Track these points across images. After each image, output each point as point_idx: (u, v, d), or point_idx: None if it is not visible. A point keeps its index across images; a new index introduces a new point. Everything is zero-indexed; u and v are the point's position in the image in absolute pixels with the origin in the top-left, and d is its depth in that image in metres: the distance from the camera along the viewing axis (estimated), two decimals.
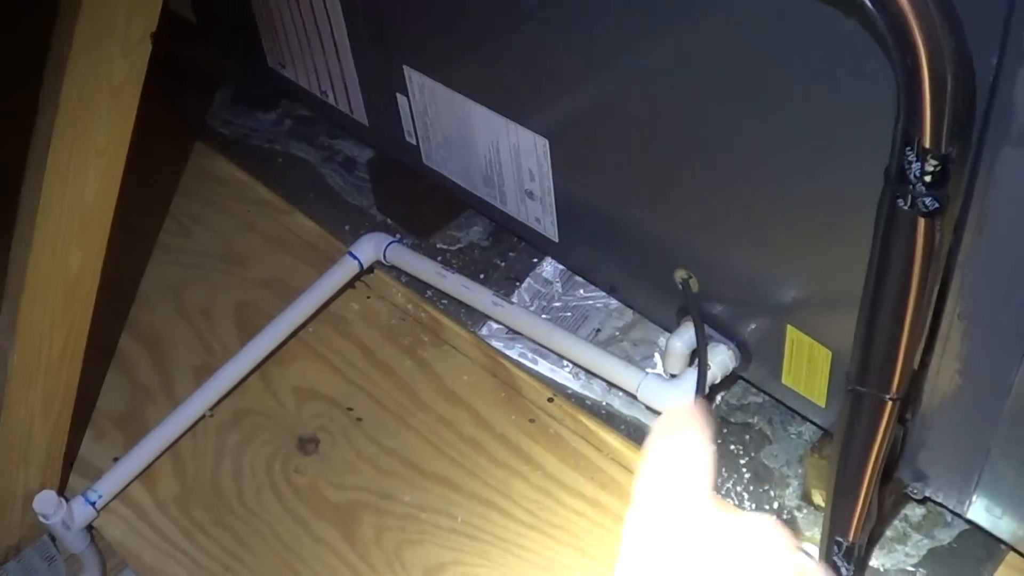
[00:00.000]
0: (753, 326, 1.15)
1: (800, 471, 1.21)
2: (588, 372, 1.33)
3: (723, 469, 1.22)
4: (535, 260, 1.47)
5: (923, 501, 1.12)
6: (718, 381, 1.18)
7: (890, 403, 0.90)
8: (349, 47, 1.42)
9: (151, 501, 1.32)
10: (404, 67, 1.34)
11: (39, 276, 1.15)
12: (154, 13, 1.07)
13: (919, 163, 0.74)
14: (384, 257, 1.47)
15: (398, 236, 1.51)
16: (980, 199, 0.82)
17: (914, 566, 1.13)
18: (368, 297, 1.50)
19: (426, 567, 1.22)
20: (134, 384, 1.45)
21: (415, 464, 1.30)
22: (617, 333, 1.37)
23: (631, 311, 1.38)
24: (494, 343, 1.40)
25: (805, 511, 1.18)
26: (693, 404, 0.68)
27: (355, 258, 1.47)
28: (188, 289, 1.56)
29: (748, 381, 1.26)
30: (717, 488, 1.21)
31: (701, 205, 1.09)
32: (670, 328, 1.24)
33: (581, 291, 1.43)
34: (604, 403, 1.31)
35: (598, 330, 1.38)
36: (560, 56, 1.11)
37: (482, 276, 1.47)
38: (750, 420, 1.27)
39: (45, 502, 1.24)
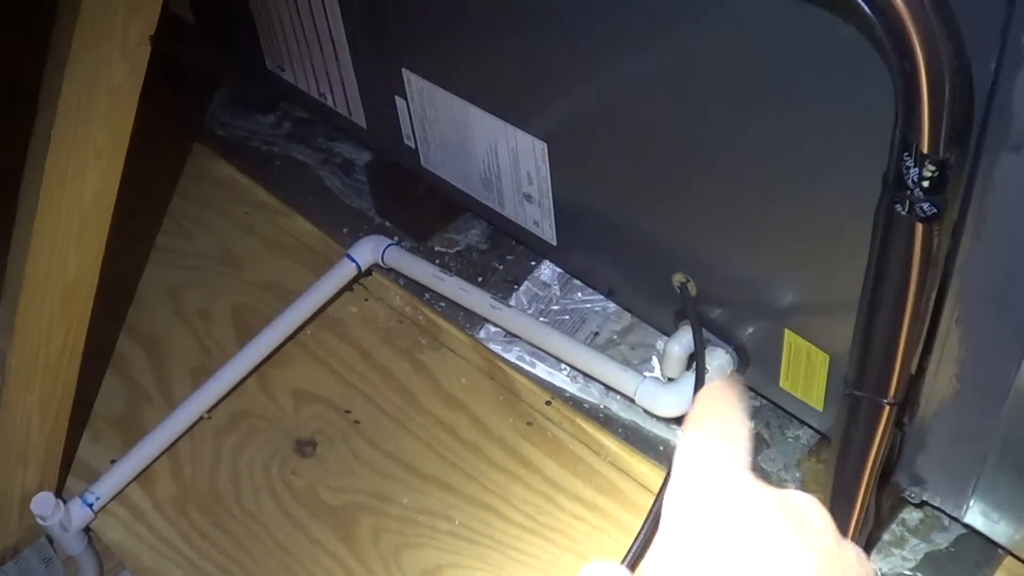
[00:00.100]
0: (751, 330, 1.15)
1: (798, 475, 1.21)
2: (586, 375, 1.33)
3: None
4: (533, 263, 1.47)
5: (920, 505, 1.12)
6: None
7: (887, 407, 0.90)
8: (348, 50, 1.42)
9: (149, 503, 1.32)
10: (403, 70, 1.34)
11: (37, 277, 1.15)
12: (153, 15, 1.07)
13: (917, 168, 0.74)
14: (382, 260, 1.47)
15: (396, 239, 1.51)
16: (978, 204, 0.82)
17: (911, 570, 1.13)
18: (366, 300, 1.50)
19: (424, 570, 1.22)
20: (132, 386, 1.45)
21: (413, 467, 1.30)
22: (615, 336, 1.37)
23: (629, 314, 1.38)
24: (492, 346, 1.40)
25: None
26: (731, 377, 0.67)
27: (353, 261, 1.47)
28: (186, 291, 1.56)
29: (746, 385, 1.25)
30: None
31: (699, 209, 1.09)
32: (668, 332, 1.24)
33: (579, 294, 1.43)
34: (602, 406, 1.31)
35: (596, 333, 1.38)
36: (559, 59, 1.11)
37: (480, 279, 1.47)
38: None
39: (43, 504, 1.24)
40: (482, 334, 1.41)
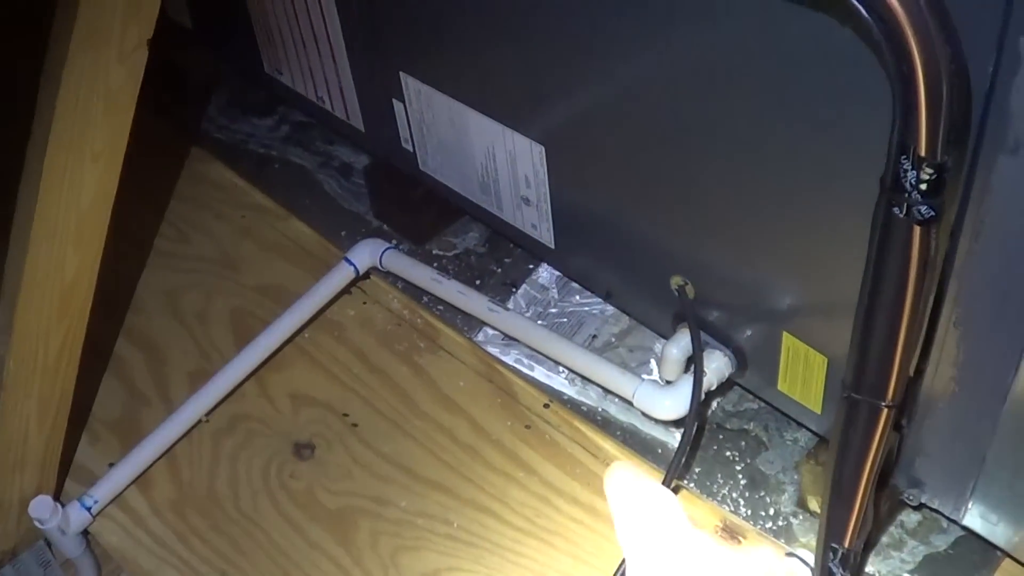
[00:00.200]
0: (749, 332, 1.15)
1: (796, 477, 1.21)
2: (584, 378, 1.33)
3: (719, 475, 1.22)
4: (531, 266, 1.47)
5: (919, 507, 1.12)
6: (714, 387, 1.19)
7: (886, 410, 0.90)
8: (346, 53, 1.42)
9: (147, 506, 1.32)
10: (401, 73, 1.34)
11: (35, 281, 1.15)
12: (151, 19, 1.07)
13: (914, 171, 0.74)
14: (380, 263, 1.47)
15: (394, 242, 1.51)
16: (976, 206, 0.82)
17: (910, 572, 1.13)
18: (364, 303, 1.50)
19: (422, 573, 1.22)
20: (130, 389, 1.45)
21: (411, 470, 1.30)
22: (613, 339, 1.37)
23: (627, 317, 1.38)
24: (490, 349, 1.40)
25: (801, 517, 1.18)
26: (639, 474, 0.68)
27: (351, 264, 1.47)
28: (184, 294, 1.56)
29: (744, 387, 1.26)
30: (713, 494, 1.21)
31: (697, 211, 1.09)
32: (666, 334, 1.24)
33: (577, 297, 1.43)
34: (600, 409, 1.31)
35: (594, 336, 1.38)
36: (557, 63, 1.11)
37: (478, 282, 1.47)
38: (746, 426, 1.27)
39: (41, 507, 1.24)
40: (480, 337, 1.41)
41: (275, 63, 1.61)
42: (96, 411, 1.43)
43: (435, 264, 1.49)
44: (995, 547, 1.09)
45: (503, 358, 1.38)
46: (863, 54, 0.79)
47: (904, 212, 0.76)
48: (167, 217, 1.67)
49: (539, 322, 1.38)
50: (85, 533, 1.31)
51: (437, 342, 1.43)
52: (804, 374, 1.10)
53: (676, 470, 1.14)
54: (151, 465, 1.34)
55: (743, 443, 1.25)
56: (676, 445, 1.22)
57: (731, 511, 1.20)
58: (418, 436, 1.33)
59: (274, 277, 1.55)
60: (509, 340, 1.39)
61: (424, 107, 1.35)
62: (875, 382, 0.88)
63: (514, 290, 1.45)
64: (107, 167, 1.13)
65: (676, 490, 1.22)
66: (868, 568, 1.13)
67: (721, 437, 1.26)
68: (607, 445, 1.28)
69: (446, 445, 1.32)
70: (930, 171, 0.74)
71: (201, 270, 1.59)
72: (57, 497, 1.30)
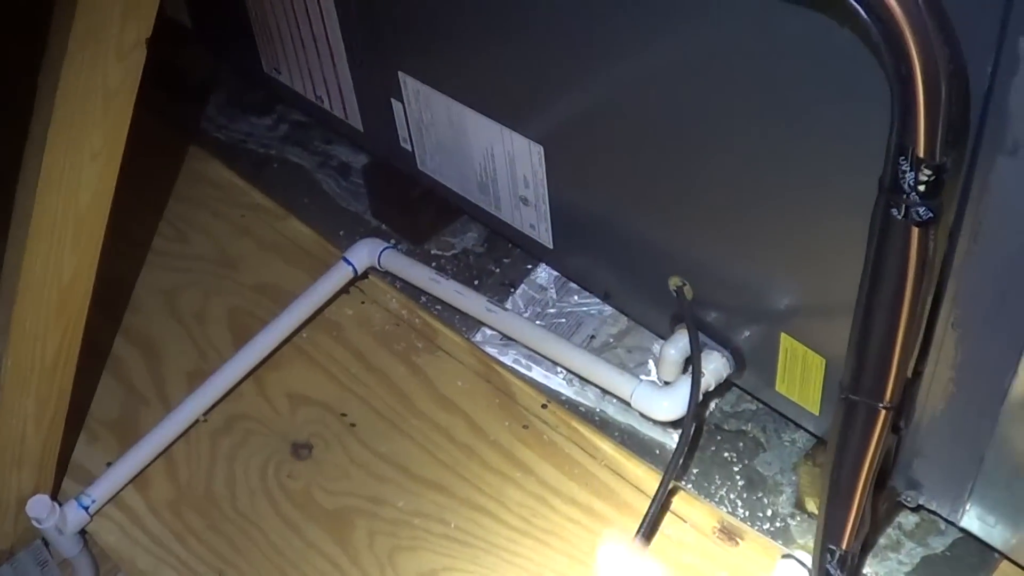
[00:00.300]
0: (747, 333, 1.15)
1: (794, 479, 1.21)
2: (582, 379, 1.33)
3: (717, 476, 1.22)
4: (529, 266, 1.47)
5: (917, 509, 1.12)
6: (712, 388, 1.19)
7: (884, 412, 0.90)
8: (344, 53, 1.42)
9: (144, 506, 1.32)
10: (399, 73, 1.34)
11: (33, 280, 1.15)
12: (149, 18, 1.07)
13: (913, 173, 0.74)
14: (378, 263, 1.47)
15: (393, 242, 1.51)
16: (975, 208, 0.82)
17: (907, 574, 1.13)
18: (362, 303, 1.50)
19: (419, 573, 1.22)
20: (128, 388, 1.45)
21: (408, 470, 1.30)
22: (611, 340, 1.37)
23: (625, 318, 1.38)
24: (488, 349, 1.39)
25: (799, 519, 1.18)
26: None
27: (349, 263, 1.47)
28: (182, 294, 1.56)
29: (742, 388, 1.26)
30: (711, 495, 1.21)
31: (696, 212, 1.09)
32: (664, 335, 1.24)
33: (575, 297, 1.43)
34: (598, 410, 1.31)
35: (592, 337, 1.38)
36: (556, 63, 1.11)
37: (476, 282, 1.47)
38: (744, 427, 1.26)
39: (38, 506, 1.24)
40: (478, 337, 1.41)
41: (274, 62, 1.61)
42: (94, 410, 1.43)
43: (433, 264, 1.49)
44: (993, 549, 1.09)
45: (501, 358, 1.38)
46: (862, 55, 0.79)
47: (902, 213, 0.76)
48: (165, 216, 1.67)
49: (537, 322, 1.38)
50: (83, 532, 1.31)
51: (435, 342, 1.43)
52: (802, 375, 1.10)
53: (674, 471, 1.14)
54: (149, 465, 1.34)
55: (741, 444, 1.25)
56: (674, 446, 1.22)
57: (729, 512, 1.20)
58: (416, 436, 1.33)
59: (272, 276, 1.55)
60: (507, 340, 1.39)
61: (423, 107, 1.35)
62: (873, 383, 0.88)
63: (512, 290, 1.45)
64: (105, 166, 1.13)
65: (674, 491, 1.22)
66: (866, 570, 1.13)
67: (719, 438, 1.26)
68: (605, 446, 1.28)
69: (443, 445, 1.32)
70: (928, 172, 0.74)
71: (199, 269, 1.59)
72: (55, 496, 1.30)
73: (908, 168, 0.74)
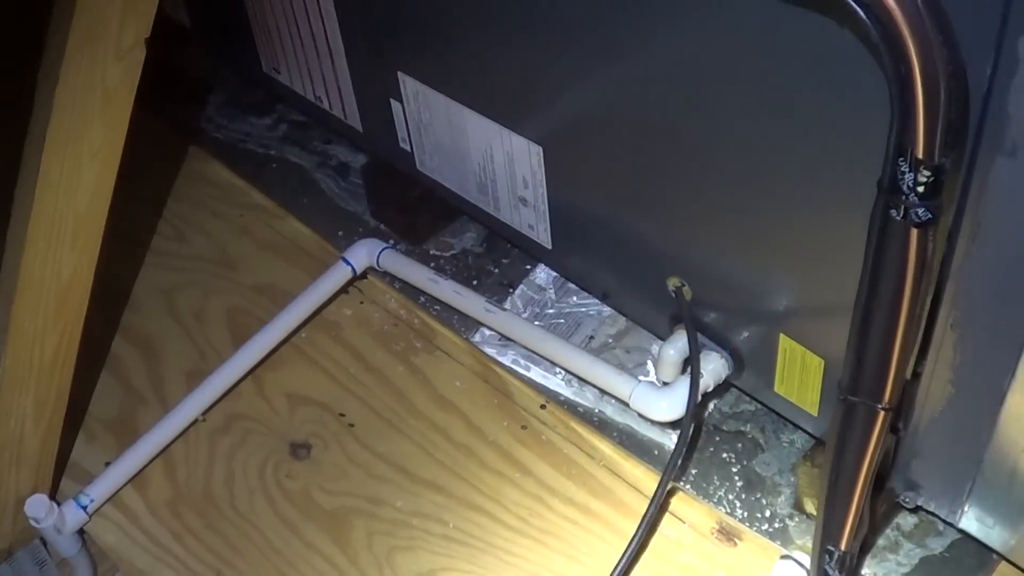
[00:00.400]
0: (746, 334, 1.15)
1: (792, 479, 1.21)
2: (581, 379, 1.33)
3: (715, 477, 1.22)
4: (528, 267, 1.47)
5: (915, 510, 1.12)
6: (711, 389, 1.19)
7: (882, 413, 0.90)
8: (344, 52, 1.42)
9: (143, 505, 1.32)
10: (398, 73, 1.34)
11: (32, 280, 1.15)
12: (148, 18, 1.07)
13: (912, 174, 0.74)
14: (377, 263, 1.47)
15: (391, 242, 1.51)
16: (974, 209, 0.82)
17: (906, 575, 1.13)
18: (361, 303, 1.50)
19: (417, 573, 1.22)
20: (126, 388, 1.45)
21: (407, 470, 1.30)
22: (610, 340, 1.37)
23: (624, 318, 1.38)
24: (487, 349, 1.39)
25: (797, 519, 1.18)
26: None
27: (348, 263, 1.47)
28: (181, 293, 1.56)
29: (741, 389, 1.26)
30: (709, 496, 1.21)
31: (694, 213, 1.09)
32: (663, 336, 1.24)
33: (574, 298, 1.43)
34: (596, 410, 1.31)
35: (591, 337, 1.38)
36: (554, 63, 1.11)
37: (475, 282, 1.47)
38: (743, 428, 1.26)
39: (37, 506, 1.24)
40: (477, 337, 1.41)
41: (273, 62, 1.61)
42: (92, 410, 1.43)
43: (432, 264, 1.49)
44: (991, 550, 1.09)
45: (500, 359, 1.38)
46: (861, 56, 0.79)
47: (901, 214, 0.76)
48: (164, 216, 1.67)
49: (536, 323, 1.38)
50: (81, 532, 1.31)
51: (434, 342, 1.43)
52: (801, 376, 1.10)
53: (672, 471, 1.14)
54: (147, 464, 1.34)
55: (740, 445, 1.25)
56: (673, 447, 1.22)
57: (727, 513, 1.20)
58: (414, 436, 1.33)
59: (271, 276, 1.55)
60: (506, 341, 1.39)
61: (422, 107, 1.35)
62: (872, 384, 0.88)
63: (511, 290, 1.45)
64: (104, 165, 1.13)
65: (672, 491, 1.22)
66: (864, 571, 1.13)
67: (718, 439, 1.26)
68: (603, 446, 1.28)
69: (442, 445, 1.32)
70: (927, 173, 0.74)
71: (198, 269, 1.58)
72: (53, 496, 1.30)
73: (907, 169, 0.74)
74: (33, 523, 1.25)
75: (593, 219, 1.24)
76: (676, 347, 1.19)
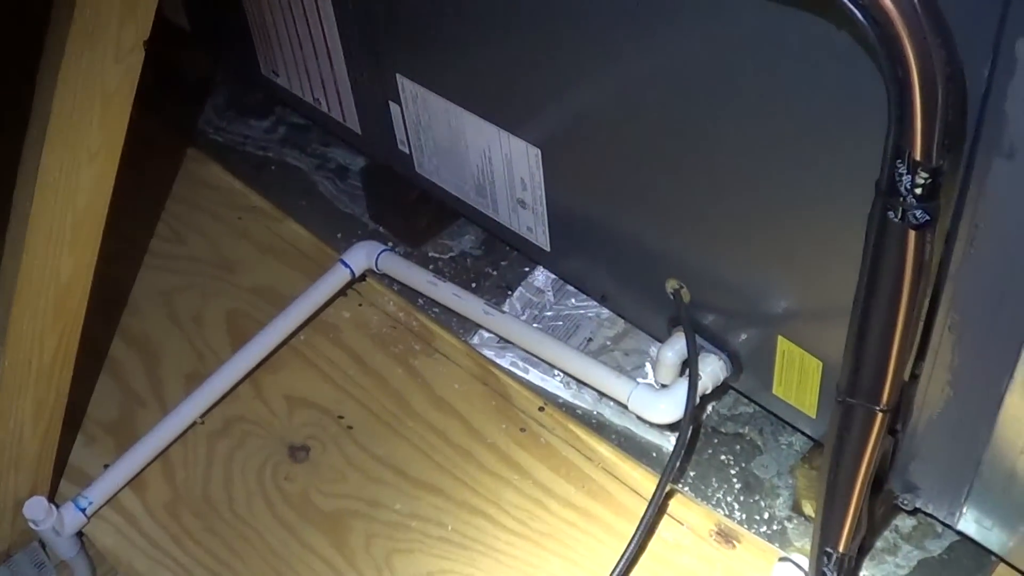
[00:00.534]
0: (744, 336, 1.15)
1: (791, 481, 1.21)
2: (579, 382, 1.33)
3: (714, 479, 1.22)
4: (527, 269, 1.47)
5: (914, 512, 1.13)
6: (709, 391, 1.19)
7: (880, 415, 0.90)
8: (342, 55, 1.42)
9: (141, 508, 1.32)
10: (397, 75, 1.34)
11: (30, 282, 1.15)
12: (147, 20, 1.07)
13: (910, 176, 0.74)
14: (376, 265, 1.47)
15: (390, 244, 1.51)
16: (971, 211, 0.82)
17: None
18: (360, 305, 1.50)
19: (415, 575, 1.22)
20: (125, 390, 1.45)
21: (405, 472, 1.30)
22: (608, 343, 1.37)
23: (622, 321, 1.38)
24: (485, 352, 1.39)
25: (795, 521, 1.18)
26: None
27: (347, 266, 1.47)
28: (179, 296, 1.56)
29: (739, 391, 1.26)
30: (708, 498, 1.21)
31: (693, 215, 1.09)
32: (661, 338, 1.24)
33: (573, 300, 1.43)
34: (595, 412, 1.31)
35: (589, 339, 1.38)
36: (553, 66, 1.11)
37: (474, 285, 1.47)
38: (741, 430, 1.27)
39: (35, 508, 1.24)
40: (475, 340, 1.41)
41: (272, 65, 1.61)
42: (91, 412, 1.43)
43: (431, 266, 1.49)
44: (989, 552, 1.09)
45: (498, 361, 1.38)
46: (859, 58, 0.79)
47: (899, 216, 0.76)
48: (163, 218, 1.67)
49: (534, 325, 1.38)
50: (80, 534, 1.31)
51: (432, 345, 1.43)
52: (799, 378, 1.10)
53: (671, 474, 1.14)
54: (146, 466, 1.34)
55: (738, 447, 1.25)
56: (671, 449, 1.22)
57: (726, 515, 1.20)
58: (413, 439, 1.33)
59: (270, 279, 1.55)
60: (504, 343, 1.39)
61: (420, 109, 1.35)
62: (870, 386, 0.88)
63: (510, 293, 1.45)
64: (103, 168, 1.13)
65: (671, 494, 1.22)
66: (862, 573, 1.13)
67: (716, 441, 1.26)
68: (602, 448, 1.28)
69: (441, 448, 1.32)
70: (925, 175, 0.74)
71: (197, 271, 1.59)
72: (52, 498, 1.30)
73: (905, 171, 0.74)
74: (32, 525, 1.25)
75: (591, 221, 1.24)
76: (674, 349, 1.19)
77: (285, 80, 1.61)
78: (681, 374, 1.21)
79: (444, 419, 1.35)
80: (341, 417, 1.37)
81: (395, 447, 1.33)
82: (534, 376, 1.36)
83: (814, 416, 1.12)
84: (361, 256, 1.48)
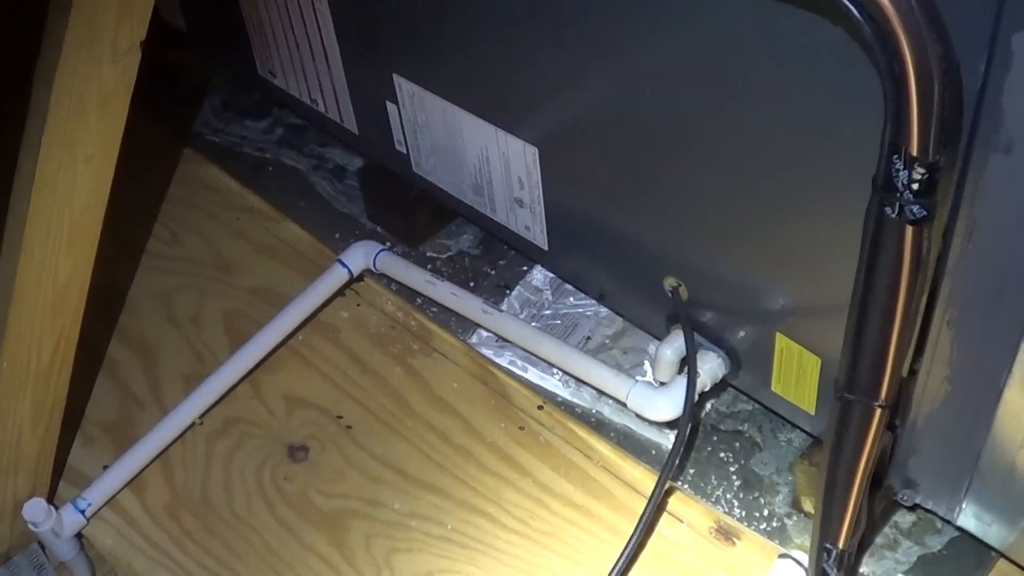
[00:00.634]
0: (743, 334, 1.15)
1: (790, 478, 1.21)
2: (578, 380, 1.33)
3: (713, 476, 1.22)
4: (525, 268, 1.47)
5: (913, 508, 1.12)
6: (708, 389, 1.19)
7: (879, 411, 0.90)
8: (339, 55, 1.42)
9: (141, 509, 1.32)
10: (394, 75, 1.34)
11: (28, 284, 1.15)
12: (144, 21, 1.07)
13: (906, 171, 0.74)
14: (374, 265, 1.47)
15: (388, 244, 1.51)
16: (968, 206, 0.82)
17: (904, 573, 1.13)
18: (358, 305, 1.50)
19: (415, 574, 1.21)
20: (124, 392, 1.45)
21: (405, 472, 1.30)
22: (607, 341, 1.37)
23: (621, 319, 1.38)
24: (484, 351, 1.40)
25: (795, 518, 1.18)
26: None
27: (345, 266, 1.47)
28: (178, 296, 1.56)
29: (738, 389, 1.26)
30: (707, 496, 1.21)
31: (690, 213, 1.09)
32: (660, 336, 1.24)
33: (571, 299, 1.43)
34: (594, 411, 1.31)
35: (588, 338, 1.38)
36: (550, 65, 1.11)
37: (472, 284, 1.47)
38: (740, 428, 1.27)
39: (34, 510, 1.24)
40: (474, 339, 1.41)
41: (269, 65, 1.61)
42: (90, 413, 1.43)
43: (429, 266, 1.49)
44: (989, 547, 1.09)
45: (497, 360, 1.38)
46: (855, 54, 0.79)
47: (896, 212, 0.76)
48: (160, 219, 1.67)
49: (533, 324, 1.38)
50: (79, 536, 1.31)
51: (431, 344, 1.43)
52: (798, 375, 1.10)
53: (670, 471, 1.14)
54: (145, 468, 1.34)
55: (737, 444, 1.25)
56: (670, 446, 1.22)
57: (725, 512, 1.20)
58: (412, 438, 1.33)
59: (267, 279, 1.55)
60: (503, 342, 1.39)
61: (417, 109, 1.35)
62: (868, 382, 0.88)
63: (508, 292, 1.45)
64: (100, 169, 1.13)
65: (670, 491, 1.22)
66: (862, 569, 1.13)
67: (715, 438, 1.26)
68: (601, 447, 1.28)
69: (440, 447, 1.32)
70: (922, 171, 0.74)
71: (194, 272, 1.59)
72: (51, 500, 1.30)
73: (902, 166, 0.74)
74: (31, 527, 1.25)
75: (589, 220, 1.24)
76: (673, 347, 1.19)
77: (282, 81, 1.61)
78: (680, 372, 1.21)
79: (443, 418, 1.35)
80: (340, 417, 1.37)
81: (394, 446, 1.33)
82: (533, 375, 1.36)
83: (813, 413, 1.12)
84: (359, 256, 1.48)
